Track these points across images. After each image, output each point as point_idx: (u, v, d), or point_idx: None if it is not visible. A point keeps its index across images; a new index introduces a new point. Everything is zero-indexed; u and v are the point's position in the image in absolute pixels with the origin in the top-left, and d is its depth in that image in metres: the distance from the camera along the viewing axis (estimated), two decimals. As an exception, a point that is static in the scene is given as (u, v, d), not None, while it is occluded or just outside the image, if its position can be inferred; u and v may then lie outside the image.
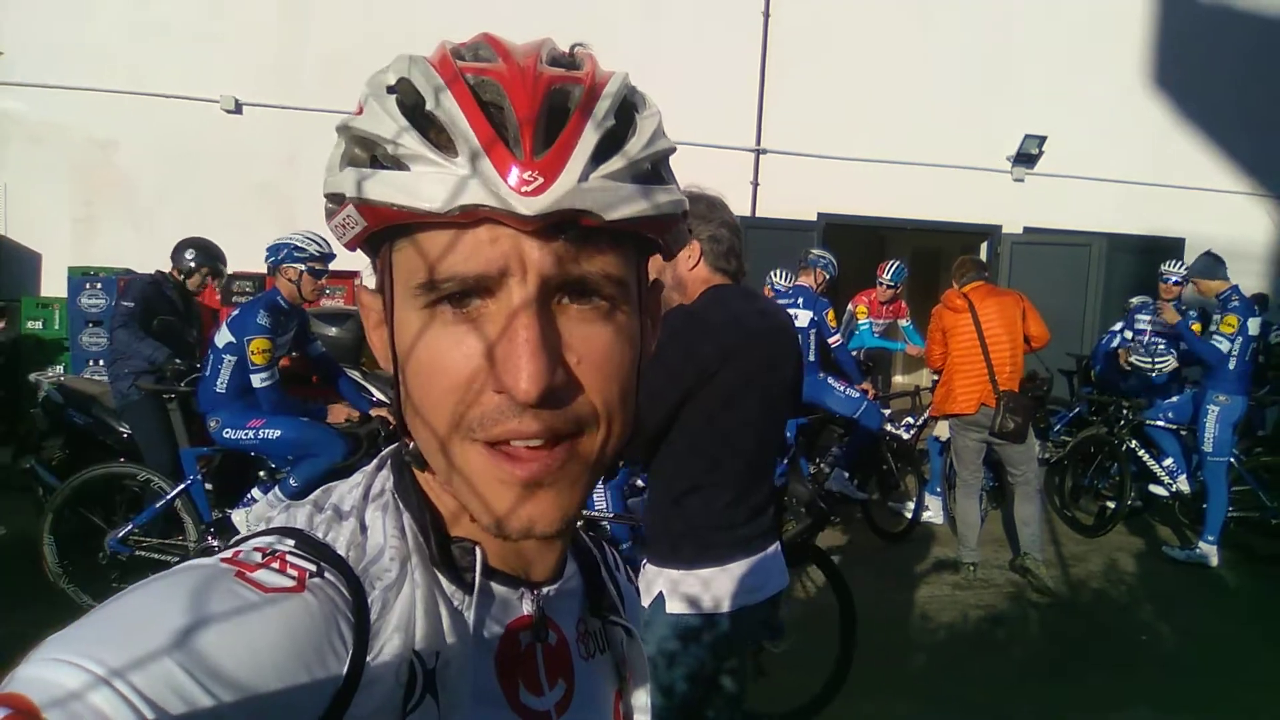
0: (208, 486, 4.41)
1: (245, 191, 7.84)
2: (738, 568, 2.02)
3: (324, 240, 4.41)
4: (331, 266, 4.51)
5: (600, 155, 0.52)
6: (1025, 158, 9.75)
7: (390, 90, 0.54)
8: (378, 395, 5.21)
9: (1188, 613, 4.99)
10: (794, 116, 9.20)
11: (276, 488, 4.37)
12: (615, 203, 0.52)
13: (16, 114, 7.51)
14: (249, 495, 4.48)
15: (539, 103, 0.51)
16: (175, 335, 4.93)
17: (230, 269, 6.76)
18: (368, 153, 0.54)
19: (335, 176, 0.55)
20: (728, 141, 9.03)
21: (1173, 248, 9.79)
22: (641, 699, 0.75)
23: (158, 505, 4.30)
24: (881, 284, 7.15)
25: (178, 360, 4.63)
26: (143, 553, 4.27)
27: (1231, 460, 5.75)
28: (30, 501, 4.90)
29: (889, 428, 6.48)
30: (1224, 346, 5.58)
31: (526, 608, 0.65)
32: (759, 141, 9.24)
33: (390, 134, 0.52)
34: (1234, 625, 4.85)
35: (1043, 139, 9.55)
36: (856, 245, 11.12)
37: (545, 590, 0.67)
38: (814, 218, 9.37)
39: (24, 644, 0.44)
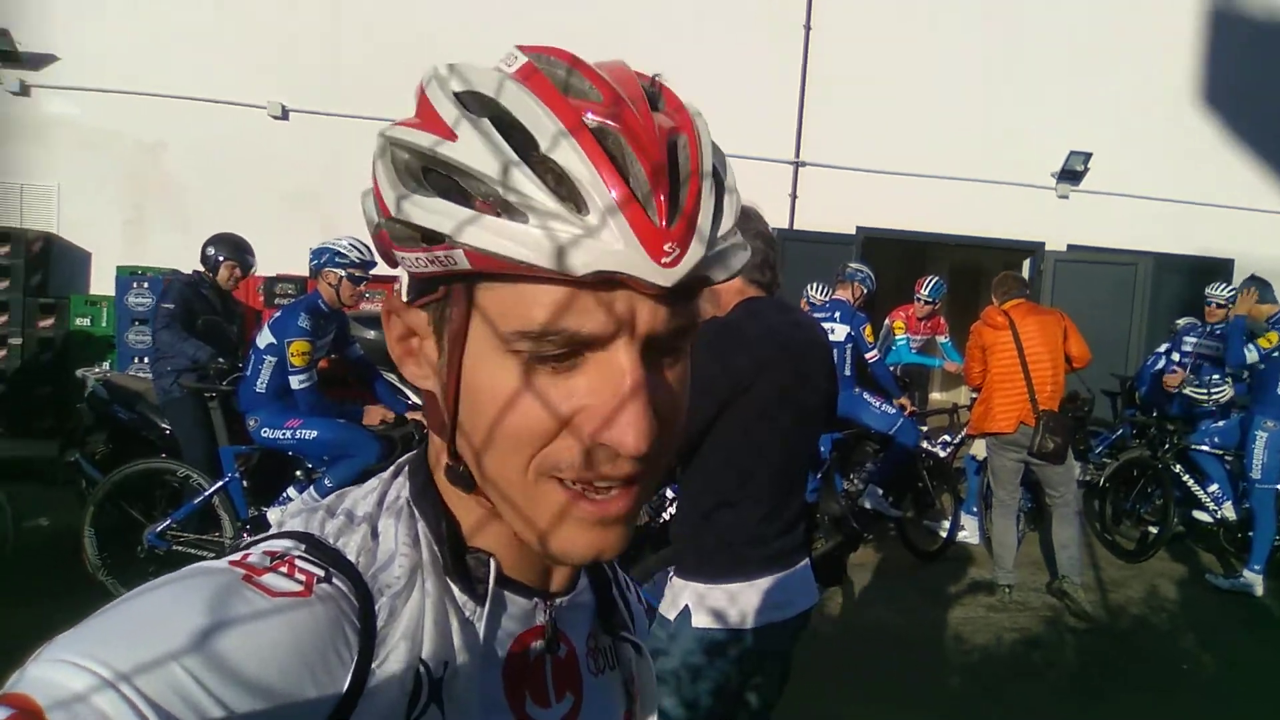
0: (245, 484, 4.48)
1: (289, 196, 7.96)
2: (766, 583, 2.00)
3: (366, 247, 4.47)
4: (371, 273, 4.57)
5: (716, 219, 0.53)
6: (1070, 174, 9.59)
7: (470, 106, 0.51)
8: (413, 398, 5.26)
9: (1230, 641, 4.86)
10: (834, 129, 9.14)
11: (312, 488, 4.43)
12: (725, 265, 0.54)
13: (68, 118, 7.68)
14: (285, 494, 4.55)
15: (664, 161, 0.50)
16: (219, 334, 5.03)
17: (273, 271, 6.93)
18: (422, 165, 0.52)
19: (433, 214, 0.51)
20: (767, 154, 9.00)
21: (1221, 268, 9.57)
22: (651, 717, 0.75)
23: (196, 501, 4.39)
24: (920, 299, 7.08)
25: (220, 359, 4.72)
26: (180, 547, 4.34)
27: (1279, 487, 5.59)
28: (73, 494, 5.00)
29: (925, 445, 6.40)
30: (1251, 356, 5.45)
31: (539, 618, 0.66)
32: (798, 154, 9.19)
33: (503, 177, 0.49)
34: (1277, 654, 4.72)
35: (1088, 155, 9.39)
36: (895, 260, 11.02)
37: (559, 601, 0.68)
38: (853, 231, 9.30)
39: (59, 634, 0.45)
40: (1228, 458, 6.05)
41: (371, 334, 6.06)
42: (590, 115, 0.49)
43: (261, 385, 4.43)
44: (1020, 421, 5.09)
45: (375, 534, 0.60)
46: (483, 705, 0.59)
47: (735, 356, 1.93)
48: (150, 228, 7.85)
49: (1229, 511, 6.00)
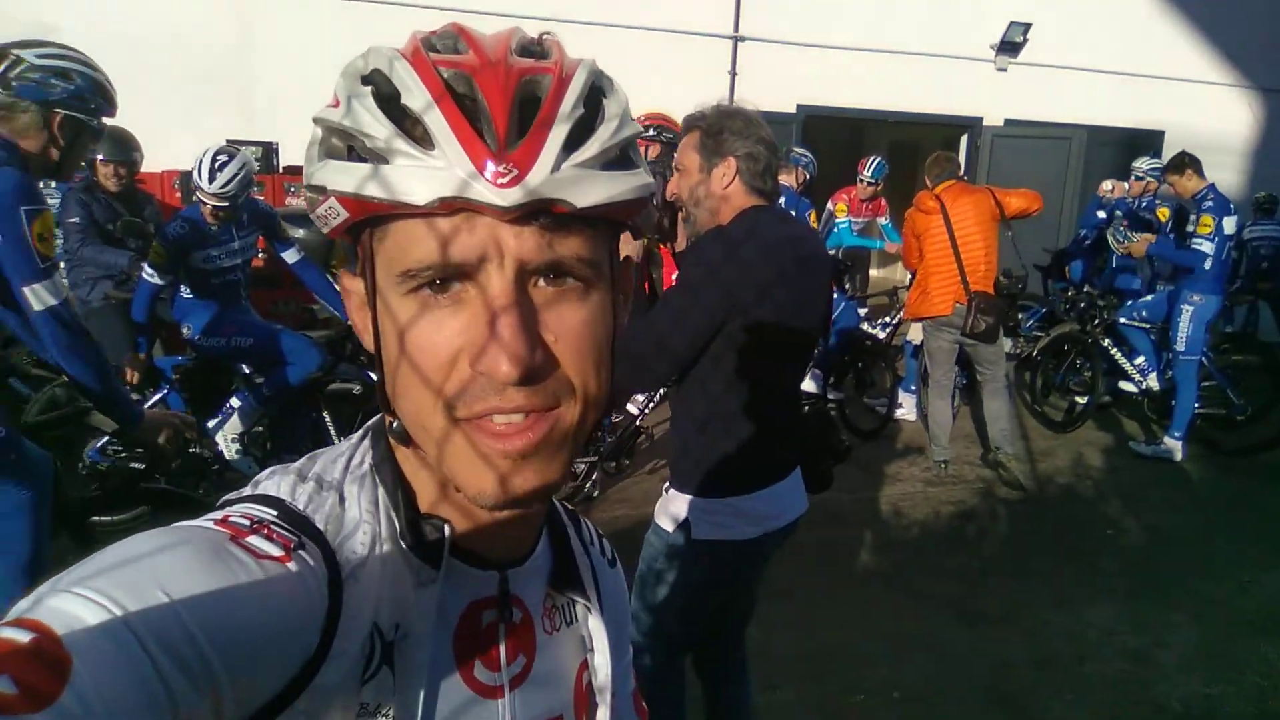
0: (184, 396, 4.34)
1: (199, 79, 7.46)
2: (760, 494, 2.04)
3: (227, 181, 4.01)
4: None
5: (571, 144, 0.55)
6: (1009, 46, 9.50)
7: (365, 82, 0.56)
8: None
9: (1151, 507, 5.16)
10: (773, 2, 8.86)
11: (251, 395, 4.34)
12: (586, 190, 0.55)
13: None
14: (227, 405, 4.41)
15: (511, 95, 0.54)
16: (141, 236, 4.72)
17: (189, 165, 6.53)
18: (345, 144, 0.56)
19: (315, 168, 0.57)
20: (704, 28, 8.71)
21: (1152, 140, 9.72)
22: (604, 671, 0.77)
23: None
24: (863, 180, 7.04)
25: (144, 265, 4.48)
26: (120, 462, 4.22)
27: (1202, 358, 5.84)
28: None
29: (865, 327, 6.51)
30: (1206, 248, 5.56)
31: (491, 587, 0.69)
32: (737, 28, 8.91)
33: (368, 128, 0.54)
34: (1196, 519, 5.02)
35: (1028, 26, 9.30)
36: (834, 137, 10.90)
37: (510, 571, 0.70)
38: (793, 110, 9.15)
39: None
40: (1153, 333, 6.27)
41: (300, 232, 5.82)
42: (445, 67, 0.54)
43: (188, 290, 4.26)
44: (955, 302, 5.17)
45: (343, 500, 0.62)
46: (432, 668, 0.62)
47: (735, 276, 1.88)
48: (52, 120, 7.33)
49: (1153, 382, 6.27)
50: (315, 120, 0.58)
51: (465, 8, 7.37)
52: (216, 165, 3.99)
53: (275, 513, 0.58)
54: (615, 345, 0.63)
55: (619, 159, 0.59)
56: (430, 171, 0.52)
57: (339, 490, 0.63)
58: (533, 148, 0.53)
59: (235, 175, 4.02)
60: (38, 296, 2.35)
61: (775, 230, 1.99)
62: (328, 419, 4.50)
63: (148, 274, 4.06)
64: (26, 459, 2.56)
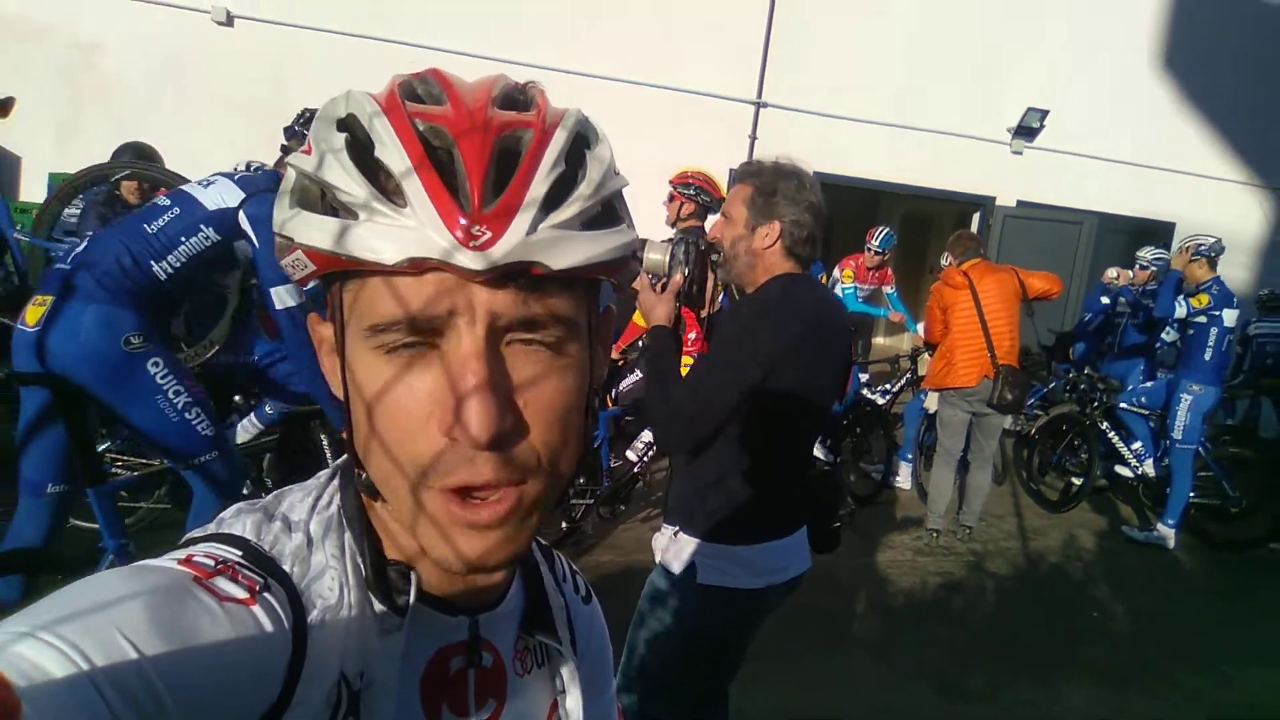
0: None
1: (233, 108, 7.65)
2: (766, 546, 2.05)
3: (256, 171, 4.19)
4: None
5: (550, 204, 0.53)
6: (1026, 130, 9.65)
7: (341, 127, 0.55)
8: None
9: (1139, 593, 5.13)
10: (798, 71, 9.05)
11: (253, 414, 4.37)
12: (563, 251, 0.53)
13: None
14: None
15: (488, 151, 0.52)
16: None
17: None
18: (318, 190, 0.55)
19: (285, 216, 0.55)
20: (729, 92, 8.89)
21: (1162, 231, 9.81)
22: (575, 712, 0.76)
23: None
24: (869, 249, 7.13)
25: None
26: (119, 470, 4.24)
27: (1199, 448, 5.86)
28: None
29: (865, 392, 6.54)
30: (1179, 310, 5.69)
31: (461, 633, 0.68)
32: (760, 94, 9.11)
33: (339, 181, 0.52)
34: (1184, 607, 4.99)
35: (1045, 113, 9.46)
36: (847, 205, 11.02)
37: (481, 616, 0.69)
38: (809, 176, 9.28)
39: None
40: (1152, 420, 6.30)
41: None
42: (421, 119, 0.53)
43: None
44: (982, 375, 5.25)
45: (310, 542, 0.61)
46: (398, 717, 0.61)
47: (756, 345, 1.91)
48: (85, 132, 7.50)
49: (1149, 468, 6.28)
50: (289, 165, 0.56)
51: (493, 56, 7.58)
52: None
53: (240, 553, 0.57)
54: (590, 401, 0.62)
55: (601, 216, 0.57)
56: (401, 230, 0.50)
57: (306, 532, 0.61)
58: (508, 208, 0.51)
59: None
60: (279, 298, 2.80)
61: (802, 298, 2.02)
62: (325, 442, 4.53)
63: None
64: (229, 454, 2.96)
